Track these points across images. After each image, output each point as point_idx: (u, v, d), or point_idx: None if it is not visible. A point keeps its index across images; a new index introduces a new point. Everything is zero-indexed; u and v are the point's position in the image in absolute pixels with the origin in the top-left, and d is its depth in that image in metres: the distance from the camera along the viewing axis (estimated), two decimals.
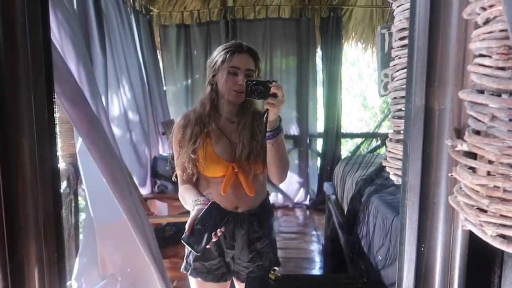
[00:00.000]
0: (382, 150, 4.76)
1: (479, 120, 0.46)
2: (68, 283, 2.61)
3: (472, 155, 0.50)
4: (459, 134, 0.55)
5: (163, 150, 3.94)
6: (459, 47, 0.54)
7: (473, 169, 0.49)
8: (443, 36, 0.55)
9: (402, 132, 0.72)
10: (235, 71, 1.38)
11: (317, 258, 3.33)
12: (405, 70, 0.70)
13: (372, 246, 1.63)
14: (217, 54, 1.43)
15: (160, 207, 3.51)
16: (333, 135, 4.70)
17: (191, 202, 1.34)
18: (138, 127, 3.17)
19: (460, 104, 0.55)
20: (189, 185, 1.47)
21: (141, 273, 2.33)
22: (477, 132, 0.49)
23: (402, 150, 0.63)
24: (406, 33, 0.69)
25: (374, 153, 4.27)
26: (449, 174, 0.53)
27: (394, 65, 0.73)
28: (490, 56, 0.44)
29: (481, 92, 0.47)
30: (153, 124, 3.78)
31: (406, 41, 0.70)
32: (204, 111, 1.46)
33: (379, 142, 4.82)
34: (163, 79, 4.46)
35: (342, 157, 4.81)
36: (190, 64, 4.61)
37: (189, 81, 4.65)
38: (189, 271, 1.53)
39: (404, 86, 0.71)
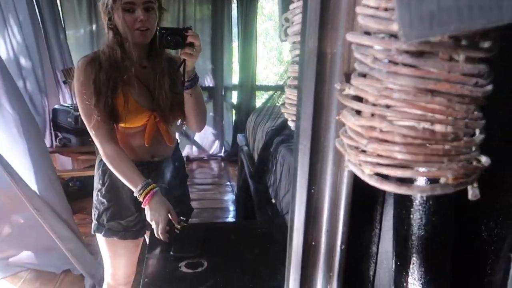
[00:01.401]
0: None
1: (363, 63, 0.47)
2: None
3: (358, 99, 0.51)
4: (348, 78, 0.56)
5: (63, 100, 3.61)
6: None
7: (359, 112, 0.50)
8: None
9: None
10: (131, 7, 1.23)
11: (231, 208, 3.44)
12: None
13: (279, 193, 1.71)
14: None
15: (63, 161, 3.27)
16: (248, 87, 4.72)
17: (140, 184, 1.28)
18: (31, 74, 2.83)
19: (350, 48, 0.55)
20: (120, 150, 1.33)
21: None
22: (364, 76, 0.50)
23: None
24: None
25: None
26: (337, 117, 0.55)
27: (294, 8, 0.71)
28: None
29: (368, 34, 0.48)
30: (51, 72, 3.41)
31: None
32: (116, 55, 1.28)
33: None
34: (62, 22, 3.98)
35: None
36: (94, 5, 4.17)
37: (94, 25, 4.23)
38: (103, 232, 1.44)
39: None
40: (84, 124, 1.34)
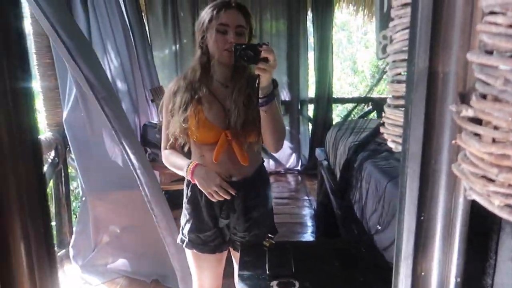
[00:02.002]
0: (373, 114, 4.76)
1: (488, 84, 0.43)
2: (63, 251, 2.63)
3: (477, 121, 0.47)
4: (464, 99, 0.52)
5: (151, 117, 3.87)
6: (466, 5, 0.50)
7: (478, 135, 0.46)
8: None
9: (401, 97, 0.69)
10: (225, 28, 1.30)
11: (309, 223, 3.39)
12: (406, 31, 0.66)
13: (365, 211, 1.64)
14: (204, 14, 1.34)
15: None
16: (324, 100, 4.66)
17: (185, 165, 1.40)
18: (127, 96, 3.07)
19: (466, 67, 0.51)
20: (173, 150, 1.49)
21: (139, 239, 2.35)
22: (484, 97, 0.46)
23: (403, 116, 0.60)
24: None
25: (366, 118, 4.26)
26: (453, 142, 0.51)
27: (394, 25, 0.69)
28: (504, 13, 0.40)
29: (490, 53, 0.44)
30: (142, 91, 3.68)
31: (407, 0, 0.65)
32: (194, 77, 1.39)
33: (370, 107, 4.81)
34: (150, 44, 4.31)
35: (333, 122, 4.80)
36: (178, 28, 4.46)
37: (177, 46, 4.52)
38: (185, 243, 1.52)
39: (405, 49, 0.67)
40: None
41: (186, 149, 1.49)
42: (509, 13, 0.38)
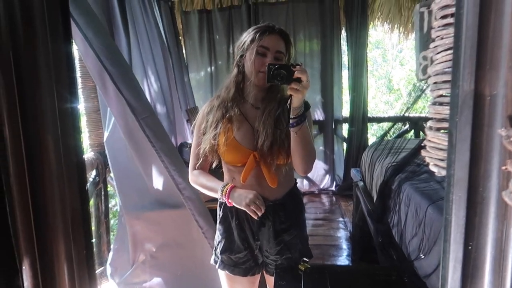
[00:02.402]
0: (411, 134, 4.63)
1: None
2: (100, 269, 2.69)
3: None
4: None
5: (187, 137, 3.96)
6: None
7: None
8: (495, 12, 0.49)
9: (444, 119, 0.67)
10: (264, 51, 1.32)
11: (344, 245, 3.30)
12: (447, 52, 0.64)
13: (404, 235, 1.58)
14: (247, 34, 1.37)
15: None
16: (359, 119, 4.59)
17: (219, 187, 1.41)
18: (166, 119, 3.16)
19: None
20: (202, 171, 1.50)
21: (175, 258, 2.37)
22: None
23: (447, 140, 0.58)
24: (449, 10, 0.63)
25: (403, 137, 4.15)
26: (503, 168, 0.48)
27: (435, 46, 0.67)
28: None
29: None
30: (179, 112, 3.78)
31: (449, 20, 0.64)
32: (228, 96, 1.41)
33: (407, 126, 4.68)
34: (186, 66, 4.45)
35: (369, 142, 4.71)
36: (213, 50, 4.58)
37: (213, 67, 4.63)
38: (217, 264, 1.52)
39: (447, 70, 0.65)
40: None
41: (214, 166, 1.50)
42: None
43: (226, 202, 1.39)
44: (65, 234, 0.61)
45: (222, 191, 1.38)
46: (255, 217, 1.35)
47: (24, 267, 0.60)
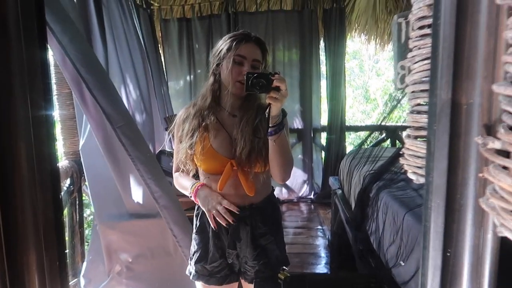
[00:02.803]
0: (387, 143, 4.72)
1: None
2: (74, 281, 2.60)
3: (505, 154, 0.46)
4: (489, 130, 0.51)
5: (165, 145, 3.91)
6: (489, 36, 0.49)
7: (507, 169, 0.45)
8: (471, 24, 0.50)
9: (422, 128, 0.68)
10: (241, 60, 1.32)
11: (323, 253, 3.31)
12: (425, 62, 0.66)
13: (382, 243, 1.60)
14: (223, 42, 1.36)
15: None
16: (337, 128, 4.65)
17: (190, 185, 1.43)
18: (145, 126, 3.11)
19: (491, 98, 0.50)
20: (182, 172, 1.52)
21: (152, 268, 2.32)
22: (511, 128, 0.45)
23: (425, 148, 0.58)
24: (426, 21, 0.65)
25: (379, 146, 4.22)
26: (480, 175, 0.49)
27: (413, 56, 0.68)
28: None
29: None
30: (158, 120, 3.73)
31: (426, 31, 0.65)
32: (204, 104, 1.40)
33: (384, 135, 4.78)
34: (165, 74, 4.41)
35: (347, 150, 4.77)
36: (192, 58, 4.57)
37: (192, 76, 4.61)
38: (191, 275, 1.50)
39: (424, 79, 0.67)
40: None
41: (191, 175, 1.52)
42: None
43: (194, 199, 1.42)
44: (36, 245, 0.59)
45: (191, 189, 1.39)
46: (213, 225, 1.40)
47: None
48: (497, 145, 0.46)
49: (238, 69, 1.32)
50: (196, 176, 1.52)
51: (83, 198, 2.89)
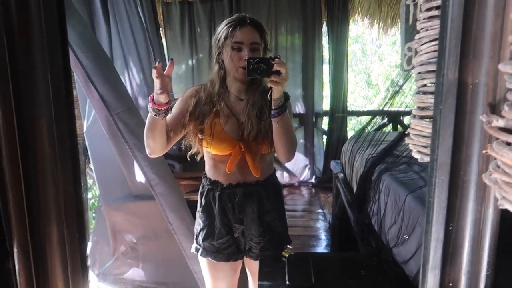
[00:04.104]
0: (389, 128, 4.73)
1: None
2: None
3: (509, 132, 0.48)
4: (493, 109, 0.53)
5: None
6: (496, 16, 0.51)
7: (510, 145, 0.47)
8: (479, 4, 0.52)
9: (428, 108, 0.70)
10: (239, 46, 1.34)
11: (323, 236, 3.36)
12: (432, 43, 0.67)
13: (384, 224, 1.63)
14: (220, 30, 1.38)
15: None
16: (339, 113, 4.66)
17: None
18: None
19: (496, 78, 0.52)
20: None
21: (157, 248, 2.37)
22: None
23: (430, 127, 0.61)
24: (434, 3, 0.66)
25: (381, 131, 4.24)
26: (484, 151, 0.51)
27: (420, 38, 0.70)
28: None
29: None
30: None
31: (434, 12, 0.67)
32: (213, 90, 1.44)
33: (385, 120, 4.78)
34: (167, 58, 4.40)
35: (348, 135, 4.78)
36: (194, 42, 4.54)
37: (194, 60, 4.59)
38: (199, 252, 1.54)
39: (431, 60, 0.68)
40: (187, 152, 1.51)
41: (198, 158, 1.53)
42: None
43: (152, 107, 1.28)
44: (57, 217, 0.61)
45: (149, 104, 1.29)
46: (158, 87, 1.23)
47: (15, 250, 0.60)
48: (501, 123, 0.48)
49: (238, 55, 1.35)
50: (201, 162, 1.54)
51: (87, 181, 2.92)
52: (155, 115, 1.29)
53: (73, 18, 1.76)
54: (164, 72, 1.24)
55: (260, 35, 1.38)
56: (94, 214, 3.22)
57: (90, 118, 2.42)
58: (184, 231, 1.99)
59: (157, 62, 1.23)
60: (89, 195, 4.19)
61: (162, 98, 1.25)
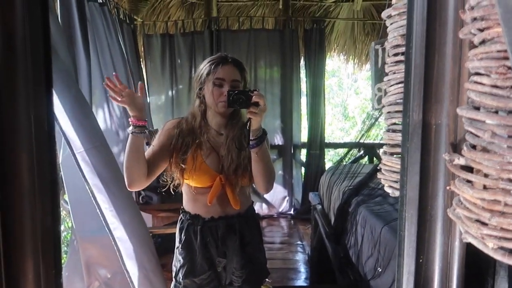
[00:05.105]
0: (365, 160, 4.83)
1: (477, 136, 0.48)
2: None
3: (468, 169, 0.52)
4: (455, 148, 0.57)
5: None
6: (454, 65, 0.56)
7: (471, 182, 0.50)
8: (439, 54, 0.57)
9: (397, 145, 0.74)
10: (221, 82, 1.40)
11: (303, 269, 3.33)
12: (399, 85, 0.72)
13: (361, 256, 1.65)
14: (203, 67, 1.45)
15: (145, 219, 3.45)
16: (317, 145, 4.74)
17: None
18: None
19: (456, 119, 0.57)
20: None
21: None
22: (473, 147, 0.51)
23: (400, 163, 0.64)
24: (400, 49, 0.72)
25: (358, 163, 4.32)
26: (448, 188, 0.55)
27: (388, 79, 0.75)
28: (488, 75, 0.45)
29: (477, 108, 0.49)
30: None
31: (400, 57, 0.72)
32: (195, 123, 1.47)
33: (362, 152, 4.89)
34: (147, 89, 4.42)
35: (326, 167, 4.85)
36: (175, 74, 4.59)
37: (174, 91, 4.62)
38: None
39: (399, 101, 0.73)
40: (166, 184, 1.50)
41: (179, 190, 1.52)
42: (493, 75, 0.44)
43: (132, 123, 1.33)
44: (33, 252, 0.61)
45: (130, 122, 1.34)
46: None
47: None
48: (461, 161, 0.52)
49: (219, 91, 1.40)
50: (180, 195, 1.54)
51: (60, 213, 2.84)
52: (134, 133, 1.32)
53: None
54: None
55: (241, 74, 1.45)
56: (65, 248, 3.11)
57: (66, 149, 2.39)
58: (142, 280, 1.92)
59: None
60: (61, 227, 4.05)
61: (135, 111, 1.32)
